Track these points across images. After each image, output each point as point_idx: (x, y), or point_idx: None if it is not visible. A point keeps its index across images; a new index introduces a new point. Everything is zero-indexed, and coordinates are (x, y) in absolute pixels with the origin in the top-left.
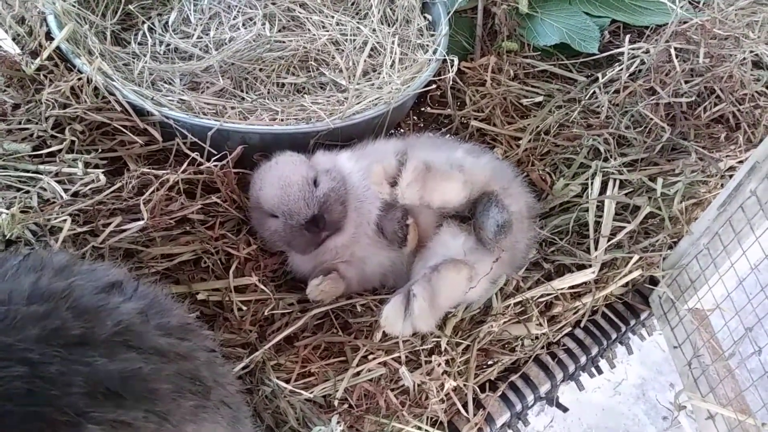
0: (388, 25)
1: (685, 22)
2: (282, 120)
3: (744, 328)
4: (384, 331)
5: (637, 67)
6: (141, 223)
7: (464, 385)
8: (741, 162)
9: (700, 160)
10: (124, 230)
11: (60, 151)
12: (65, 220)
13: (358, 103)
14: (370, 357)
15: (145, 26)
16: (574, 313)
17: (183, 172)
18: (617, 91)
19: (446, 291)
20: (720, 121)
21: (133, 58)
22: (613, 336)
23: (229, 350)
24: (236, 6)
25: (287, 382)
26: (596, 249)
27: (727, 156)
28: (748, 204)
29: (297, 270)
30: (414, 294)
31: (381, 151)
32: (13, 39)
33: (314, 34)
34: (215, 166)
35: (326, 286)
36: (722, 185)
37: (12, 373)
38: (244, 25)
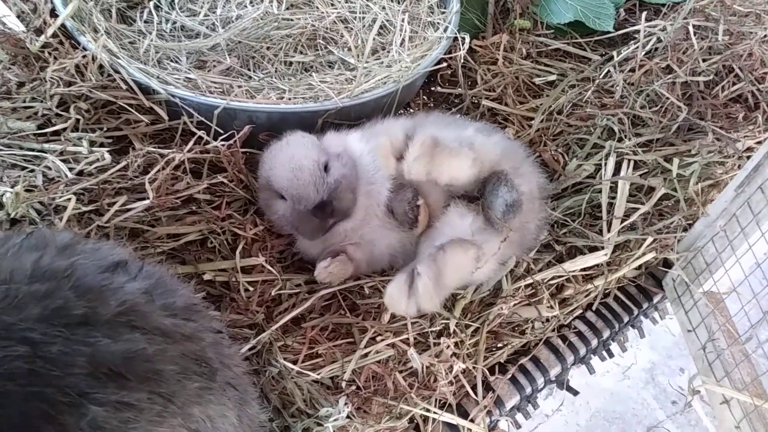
0: (398, 2)
1: None
2: (290, 99)
3: (762, 312)
4: (392, 313)
5: (653, 45)
6: (146, 202)
7: (473, 367)
8: (759, 142)
9: (717, 140)
10: (130, 209)
11: (65, 129)
12: (70, 199)
13: (367, 82)
14: (378, 338)
15: (151, 3)
16: (586, 296)
17: (189, 151)
18: (632, 70)
19: (452, 270)
20: (738, 100)
21: (139, 36)
22: (625, 319)
23: (235, 331)
24: None
25: (294, 363)
26: (609, 231)
27: (745, 136)
28: (767, 185)
29: (305, 252)
30: (418, 273)
31: (390, 130)
32: (18, 16)
33: (323, 12)
34: (222, 145)
35: (334, 268)
36: (740, 166)
37: (13, 352)
38: (251, 2)
